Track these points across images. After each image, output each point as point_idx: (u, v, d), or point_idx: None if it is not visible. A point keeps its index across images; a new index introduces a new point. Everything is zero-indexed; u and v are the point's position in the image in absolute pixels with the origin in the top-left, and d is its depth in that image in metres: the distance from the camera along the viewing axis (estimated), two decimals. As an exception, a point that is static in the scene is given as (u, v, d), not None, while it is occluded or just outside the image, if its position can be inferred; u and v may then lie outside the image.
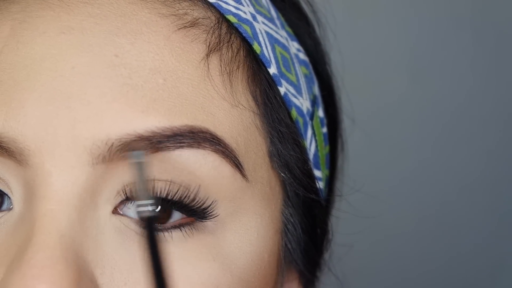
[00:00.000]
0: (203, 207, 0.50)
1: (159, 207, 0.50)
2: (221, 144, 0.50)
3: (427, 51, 1.17)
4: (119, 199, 0.49)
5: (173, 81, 0.50)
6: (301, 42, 0.60)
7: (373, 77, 1.15)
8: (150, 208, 0.43)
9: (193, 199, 0.50)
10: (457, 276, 1.20)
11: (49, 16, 0.51)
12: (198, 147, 0.50)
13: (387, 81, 1.16)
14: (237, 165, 0.51)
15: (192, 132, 0.50)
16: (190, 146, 0.50)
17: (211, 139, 0.50)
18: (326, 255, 0.61)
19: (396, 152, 1.18)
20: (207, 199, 0.50)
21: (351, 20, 1.10)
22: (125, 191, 0.49)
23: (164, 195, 0.49)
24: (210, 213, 0.50)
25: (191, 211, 0.50)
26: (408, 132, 1.19)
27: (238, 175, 0.51)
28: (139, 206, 0.43)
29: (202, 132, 0.50)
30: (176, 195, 0.50)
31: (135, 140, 0.49)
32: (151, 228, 0.43)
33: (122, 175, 0.49)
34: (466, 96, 1.18)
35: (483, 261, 1.20)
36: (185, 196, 0.50)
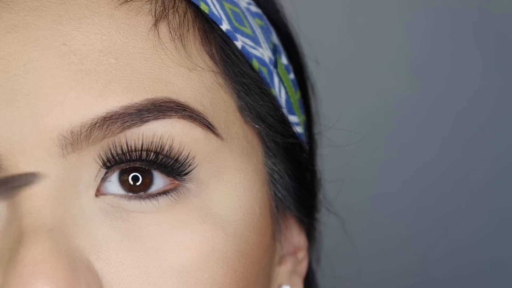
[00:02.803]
0: (180, 158, 0.50)
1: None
2: (187, 110, 0.50)
3: (426, 53, 1.16)
4: (100, 176, 0.49)
5: (124, 58, 0.50)
6: None
7: (372, 80, 1.14)
8: None
9: (169, 154, 0.50)
10: (457, 278, 1.19)
11: None
12: (164, 117, 0.50)
13: (387, 84, 1.15)
14: (208, 125, 0.51)
15: (155, 105, 0.50)
16: (156, 118, 0.50)
17: (176, 107, 0.50)
18: (320, 195, 0.61)
19: (396, 153, 1.18)
20: (183, 149, 0.50)
21: (351, 23, 1.10)
22: (101, 157, 0.49)
23: (138, 158, 0.49)
24: (188, 166, 0.50)
25: (169, 167, 0.50)
26: (408, 134, 1.18)
27: (211, 135, 0.51)
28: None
29: (165, 102, 0.50)
30: (152, 155, 0.50)
31: (98, 123, 0.49)
32: None
33: (96, 157, 0.49)
34: (466, 98, 1.17)
35: (483, 263, 1.20)
36: (160, 153, 0.49)
